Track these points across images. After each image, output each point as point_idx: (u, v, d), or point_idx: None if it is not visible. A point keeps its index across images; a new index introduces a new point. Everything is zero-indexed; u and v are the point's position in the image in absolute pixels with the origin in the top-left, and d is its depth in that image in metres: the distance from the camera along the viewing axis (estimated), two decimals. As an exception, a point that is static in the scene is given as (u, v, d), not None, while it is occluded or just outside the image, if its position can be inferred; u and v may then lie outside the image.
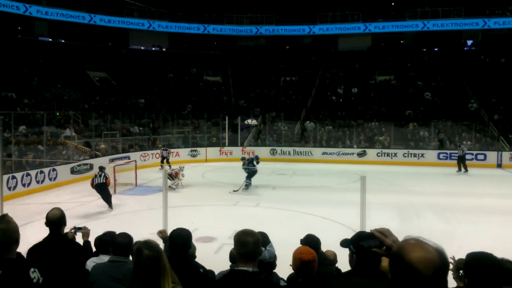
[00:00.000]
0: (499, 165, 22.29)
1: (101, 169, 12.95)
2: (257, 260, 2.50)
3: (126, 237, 3.48)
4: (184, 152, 23.97)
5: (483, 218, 11.21)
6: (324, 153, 24.77)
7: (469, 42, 33.69)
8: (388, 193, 13.99)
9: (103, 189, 12.47)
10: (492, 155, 22.68)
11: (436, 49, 34.06)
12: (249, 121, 28.00)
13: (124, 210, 12.43)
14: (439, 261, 1.44)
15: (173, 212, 10.15)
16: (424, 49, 34.16)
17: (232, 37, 36.41)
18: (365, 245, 2.17)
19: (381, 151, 24.35)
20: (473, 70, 29.90)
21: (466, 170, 20.16)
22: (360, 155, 24.28)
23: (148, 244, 2.36)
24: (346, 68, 33.15)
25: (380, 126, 26.40)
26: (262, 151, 24.48)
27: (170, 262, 2.41)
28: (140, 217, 11.39)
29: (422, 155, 23.48)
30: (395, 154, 23.79)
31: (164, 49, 36.21)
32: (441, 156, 23.10)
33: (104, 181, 12.44)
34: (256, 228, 4.76)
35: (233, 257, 3.84)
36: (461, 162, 20.42)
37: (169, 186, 15.23)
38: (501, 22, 31.05)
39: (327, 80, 32.58)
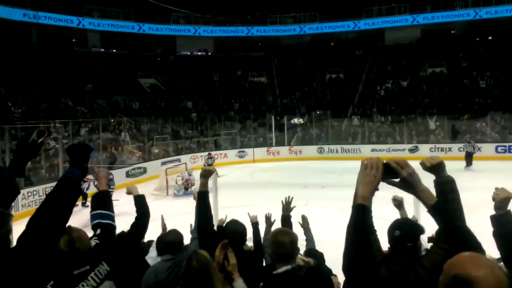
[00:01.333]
0: None
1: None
2: (295, 258, 2.48)
3: (177, 235, 3.62)
4: (232, 153, 24.36)
5: None
6: (373, 150, 24.22)
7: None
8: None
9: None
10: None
11: (490, 38, 32.31)
12: (295, 120, 27.92)
13: (176, 212, 12.84)
14: (505, 280, 1.28)
15: (223, 212, 10.41)
16: (477, 39, 32.54)
17: (275, 38, 36.52)
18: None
19: (435, 146, 23.46)
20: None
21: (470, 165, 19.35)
22: (412, 150, 23.52)
23: (197, 256, 2.43)
24: (394, 62, 32.26)
25: (433, 119, 25.44)
26: (309, 150, 24.37)
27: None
28: (192, 219, 11.71)
29: (479, 148, 22.36)
30: (450, 149, 22.83)
31: (209, 53, 36.96)
32: (499, 149, 21.92)
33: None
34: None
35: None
36: (469, 158, 19.54)
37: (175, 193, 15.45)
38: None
39: (373, 75, 31.85)
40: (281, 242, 2.42)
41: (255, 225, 4.34)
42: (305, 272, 2.37)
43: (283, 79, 33.32)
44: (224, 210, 10.77)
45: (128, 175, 18.07)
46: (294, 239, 2.49)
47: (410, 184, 1.82)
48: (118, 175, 17.40)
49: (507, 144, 21.94)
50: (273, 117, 26.07)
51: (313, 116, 27.64)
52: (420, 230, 2.45)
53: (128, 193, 3.78)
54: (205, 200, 3.54)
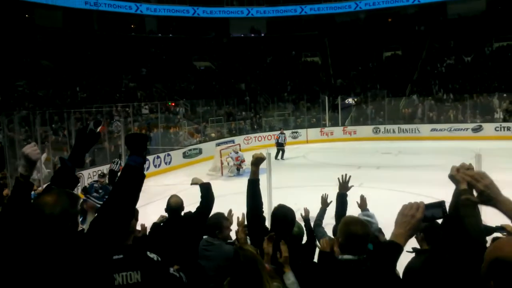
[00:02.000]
0: None
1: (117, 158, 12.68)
2: (365, 250, 2.41)
3: (214, 218, 3.72)
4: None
5: None
6: (433, 130, 23.23)
7: None
8: (504, 172, 12.72)
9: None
10: None
11: None
12: (350, 100, 27.33)
13: (229, 192, 13.16)
14: None
15: (277, 193, 10.53)
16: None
17: (329, 15, 35.61)
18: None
19: (500, 125, 22.05)
20: None
21: None
22: (476, 130, 22.28)
23: (243, 251, 2.45)
24: (457, 37, 30.37)
25: (499, 98, 23.84)
26: (365, 130, 23.81)
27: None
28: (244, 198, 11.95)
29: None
30: (517, 128, 21.41)
31: (262, 34, 36.83)
32: None
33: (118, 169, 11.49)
34: (357, 210, 4.78)
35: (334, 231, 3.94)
36: None
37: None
38: None
39: (434, 50, 30.24)
40: (354, 233, 2.37)
41: (307, 221, 4.35)
42: (367, 267, 2.28)
43: (338, 58, 32.55)
44: (278, 190, 10.94)
45: (185, 156, 18.69)
46: (368, 231, 2.44)
47: (488, 196, 1.73)
48: (175, 156, 18.07)
49: None
50: (326, 98, 25.65)
51: (368, 95, 26.88)
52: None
53: (194, 184, 4.10)
54: (255, 188, 3.60)
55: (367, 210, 4.82)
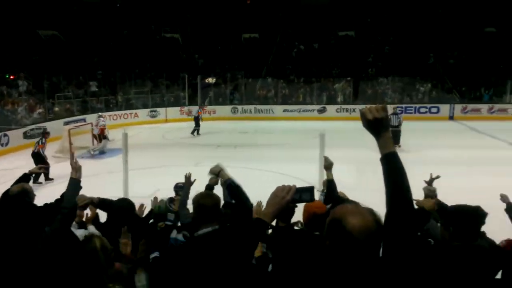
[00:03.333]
0: (451, 117, 23.34)
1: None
2: (217, 221, 2.46)
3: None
4: (143, 113, 23.49)
5: (442, 170, 11.74)
6: (285, 111, 24.95)
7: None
8: (346, 148, 14.36)
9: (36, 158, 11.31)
10: (445, 108, 23.68)
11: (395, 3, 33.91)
12: (210, 79, 27.58)
13: (83, 175, 12.16)
14: (375, 226, 1.57)
15: (134, 174, 10.07)
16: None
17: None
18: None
19: (341, 107, 24.79)
20: (429, 24, 30.38)
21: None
22: (320, 111, 24.64)
23: (89, 240, 2.38)
24: (308, 24, 32.72)
25: (341, 81, 26.66)
26: (224, 110, 24.35)
27: None
28: (101, 181, 11.20)
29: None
30: (354, 110, 24.29)
31: (118, 5, 34.32)
32: (397, 110, 23.74)
33: (36, 149, 11.45)
34: (216, 188, 4.81)
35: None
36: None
37: (91, 150, 15.08)
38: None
39: (288, 36, 32.23)
40: (203, 204, 2.43)
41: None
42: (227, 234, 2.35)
43: (199, 37, 32.33)
44: (135, 171, 10.48)
45: (26, 136, 16.59)
46: (217, 201, 2.50)
47: (374, 127, 1.79)
48: (14, 136, 15.93)
49: (403, 105, 23.79)
50: (186, 76, 25.40)
51: (228, 76, 27.47)
52: None
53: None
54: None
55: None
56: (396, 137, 13.93)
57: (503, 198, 4.90)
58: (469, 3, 30.89)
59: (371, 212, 1.65)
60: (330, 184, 4.37)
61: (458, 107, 23.64)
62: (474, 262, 2.00)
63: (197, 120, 19.32)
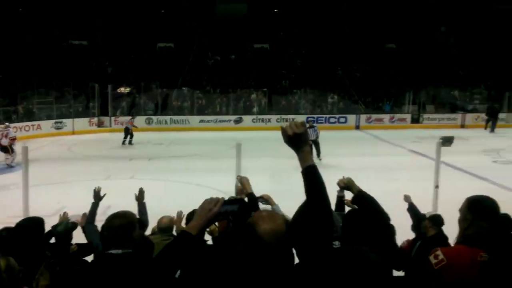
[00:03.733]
0: (357, 127, 24.93)
1: None
2: (131, 243, 2.33)
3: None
4: (46, 125, 21.75)
5: (352, 175, 12.35)
6: (201, 121, 24.77)
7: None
8: (262, 158, 14.62)
9: None
10: (352, 118, 25.23)
11: (306, 19, 35.53)
12: (122, 89, 26.52)
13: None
14: (284, 230, 1.67)
15: (35, 191, 9.21)
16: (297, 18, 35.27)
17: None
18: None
19: (257, 117, 25.24)
20: (337, 39, 32.30)
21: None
22: (237, 121, 24.85)
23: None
24: (224, 35, 32.93)
25: (257, 92, 27.16)
26: (138, 121, 23.54)
27: None
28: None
29: (293, 119, 24.91)
30: (269, 120, 24.91)
31: (20, 9, 31.61)
32: (308, 120, 24.70)
33: None
34: (130, 203, 4.56)
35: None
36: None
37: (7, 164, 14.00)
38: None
39: (204, 46, 32.15)
40: (112, 225, 2.32)
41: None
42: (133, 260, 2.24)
43: (110, 44, 30.94)
44: (37, 188, 9.59)
45: None
46: (127, 223, 2.33)
47: (294, 142, 1.93)
48: None
49: (315, 116, 24.85)
50: (96, 86, 24.09)
51: (142, 86, 26.58)
52: None
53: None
54: None
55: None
56: (317, 150, 14.38)
57: (406, 198, 5.32)
58: (372, 21, 33.46)
59: (283, 218, 1.75)
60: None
61: (363, 117, 25.34)
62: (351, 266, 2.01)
63: (127, 130, 18.88)
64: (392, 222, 2.95)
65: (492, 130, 22.69)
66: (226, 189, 10.12)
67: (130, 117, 20.32)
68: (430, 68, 29.03)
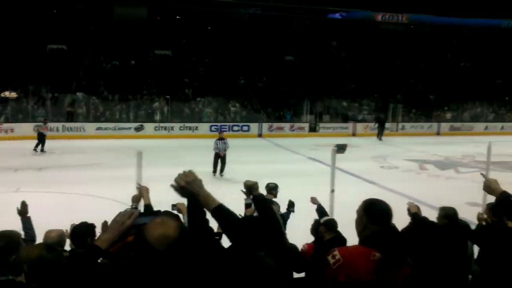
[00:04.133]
0: (260, 135, 25.64)
1: None
2: (9, 269, 2.19)
3: None
4: None
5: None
6: (98, 129, 23.39)
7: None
8: (166, 166, 14.20)
9: None
10: (254, 126, 25.89)
11: (209, 28, 35.70)
12: (7, 93, 24.09)
13: None
14: (177, 237, 1.64)
15: None
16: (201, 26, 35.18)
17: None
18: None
19: (159, 125, 24.60)
20: (239, 49, 32.91)
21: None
22: (138, 129, 23.94)
23: None
24: (123, 39, 31.53)
25: (159, 99, 26.44)
26: (24, 128, 21.50)
27: None
28: None
29: (196, 128, 24.89)
30: (172, 128, 24.44)
31: None
32: (213, 128, 24.77)
33: None
34: (11, 220, 4.10)
35: None
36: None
37: None
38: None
39: (101, 50, 30.49)
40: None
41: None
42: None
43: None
44: None
45: None
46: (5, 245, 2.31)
47: (189, 192, 2.01)
48: None
49: (218, 124, 25.04)
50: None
51: (29, 90, 24.27)
52: None
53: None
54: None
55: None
56: (221, 166, 13.91)
57: (313, 200, 5.59)
58: (270, 34, 34.80)
59: (176, 224, 1.72)
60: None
61: (265, 126, 26.14)
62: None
63: (42, 136, 18.06)
64: (294, 223, 3.03)
65: (380, 138, 24.95)
66: (126, 200, 9.65)
67: (42, 122, 19.37)
68: (325, 80, 31.03)
